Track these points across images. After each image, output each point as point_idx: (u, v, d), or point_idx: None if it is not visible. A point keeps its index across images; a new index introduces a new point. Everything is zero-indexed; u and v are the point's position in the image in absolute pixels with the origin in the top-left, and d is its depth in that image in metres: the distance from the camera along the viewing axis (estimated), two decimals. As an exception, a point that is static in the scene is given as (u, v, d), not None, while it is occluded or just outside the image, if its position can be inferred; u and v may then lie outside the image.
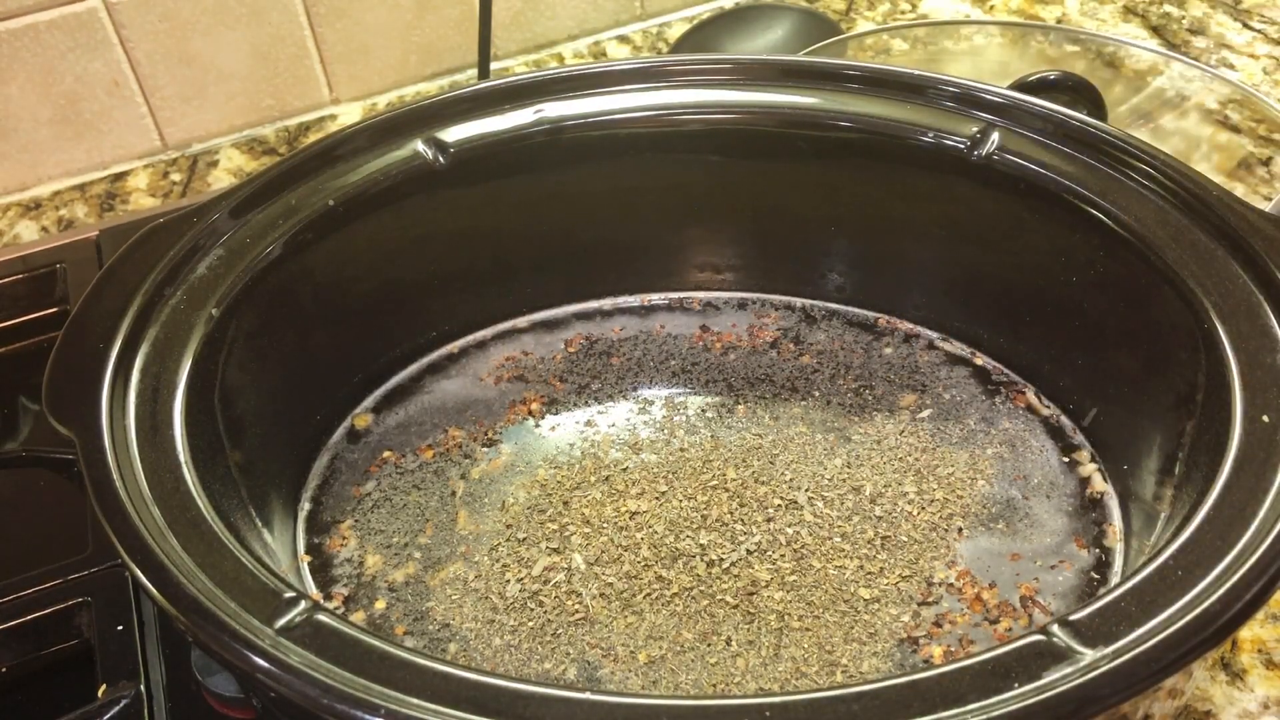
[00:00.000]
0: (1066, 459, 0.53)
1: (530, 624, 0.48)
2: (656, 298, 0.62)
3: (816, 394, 0.57)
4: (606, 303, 0.62)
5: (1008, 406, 0.55)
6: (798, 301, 0.61)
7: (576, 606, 0.48)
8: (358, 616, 0.49)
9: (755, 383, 0.58)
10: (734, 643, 0.47)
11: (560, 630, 0.48)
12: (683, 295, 0.62)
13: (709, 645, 0.47)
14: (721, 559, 0.49)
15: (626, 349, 0.60)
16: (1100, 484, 0.52)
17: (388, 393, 0.58)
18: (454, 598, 0.50)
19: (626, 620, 0.48)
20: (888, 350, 0.58)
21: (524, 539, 0.51)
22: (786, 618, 0.47)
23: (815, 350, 0.59)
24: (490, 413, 0.58)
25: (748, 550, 0.50)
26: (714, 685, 0.45)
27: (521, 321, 0.62)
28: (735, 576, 0.49)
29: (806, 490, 0.52)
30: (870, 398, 0.56)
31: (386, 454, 0.56)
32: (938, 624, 0.47)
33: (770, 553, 0.50)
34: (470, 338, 0.61)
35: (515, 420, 0.57)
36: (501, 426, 0.57)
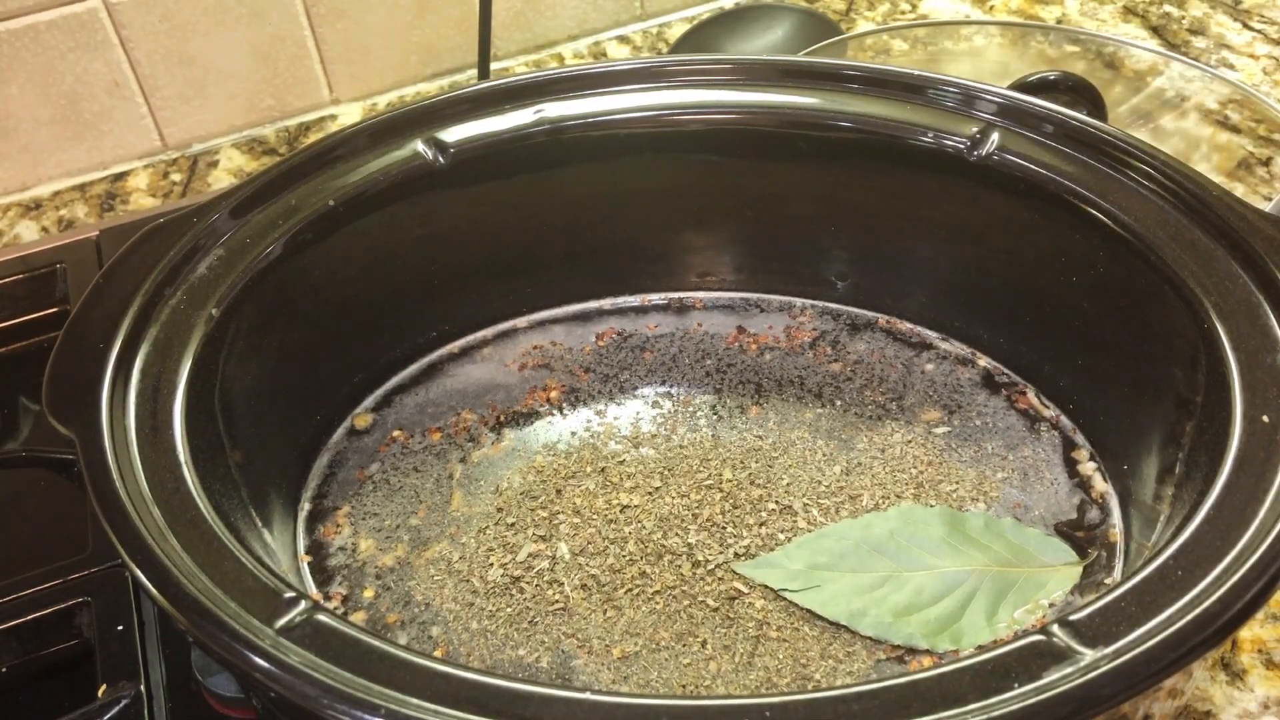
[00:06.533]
0: (1077, 498, 0.51)
1: (509, 610, 0.48)
2: (694, 296, 0.62)
3: (839, 402, 0.56)
4: (643, 298, 0.62)
5: (1039, 439, 0.53)
6: (832, 306, 0.61)
7: (557, 596, 0.49)
8: (358, 616, 0.49)
9: (783, 386, 0.57)
10: (709, 645, 0.47)
11: (538, 618, 0.48)
12: (683, 295, 0.62)
13: (684, 645, 0.47)
14: (707, 560, 0.49)
15: (662, 345, 0.60)
16: (1100, 484, 0.52)
17: (388, 392, 0.59)
18: (436, 578, 0.50)
19: (605, 614, 0.48)
20: (929, 367, 0.57)
21: (513, 524, 0.52)
22: (765, 626, 0.47)
23: (851, 359, 0.58)
24: (508, 398, 0.58)
25: (735, 554, 0.50)
26: (684, 686, 0.45)
27: (556, 312, 0.62)
28: (719, 579, 0.49)
29: (803, 496, 0.52)
30: (894, 408, 0.56)
31: (397, 433, 0.56)
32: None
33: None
34: (503, 325, 0.61)
35: (528, 407, 0.57)
36: (513, 412, 0.57)
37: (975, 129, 0.53)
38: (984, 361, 0.58)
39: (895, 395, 0.56)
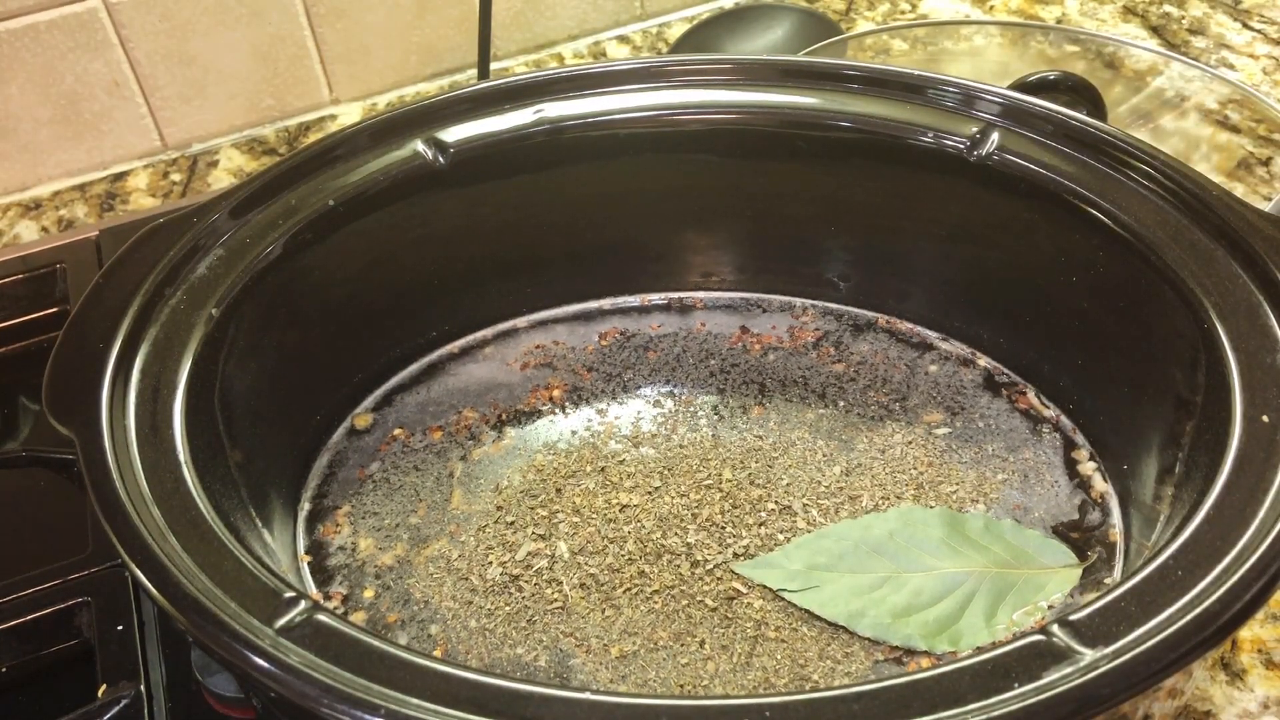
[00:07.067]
0: (1077, 499, 0.51)
1: (507, 608, 0.48)
2: (694, 296, 0.62)
3: (841, 403, 0.56)
4: (644, 298, 0.62)
5: (1040, 441, 0.53)
6: (834, 306, 0.61)
7: (555, 595, 0.49)
8: (358, 616, 0.49)
9: (787, 386, 0.57)
10: (707, 645, 0.47)
11: (536, 617, 0.48)
12: (684, 295, 0.62)
13: (682, 645, 0.47)
14: (706, 560, 0.49)
15: (665, 345, 0.60)
16: (1100, 484, 0.52)
17: (388, 391, 0.59)
18: (435, 575, 0.50)
19: (604, 613, 0.48)
20: (932, 368, 0.57)
21: (512, 522, 0.52)
22: (764, 627, 0.47)
23: (855, 360, 0.58)
24: (510, 397, 0.58)
25: (734, 554, 0.50)
26: (681, 685, 0.45)
27: (557, 312, 0.62)
28: (718, 579, 0.49)
29: (802, 497, 0.52)
30: (897, 409, 0.55)
31: (398, 432, 0.56)
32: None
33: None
34: (504, 325, 0.61)
35: (530, 406, 0.57)
36: (515, 411, 0.57)
37: (975, 129, 0.53)
38: (984, 361, 0.58)
39: (899, 396, 0.56)
